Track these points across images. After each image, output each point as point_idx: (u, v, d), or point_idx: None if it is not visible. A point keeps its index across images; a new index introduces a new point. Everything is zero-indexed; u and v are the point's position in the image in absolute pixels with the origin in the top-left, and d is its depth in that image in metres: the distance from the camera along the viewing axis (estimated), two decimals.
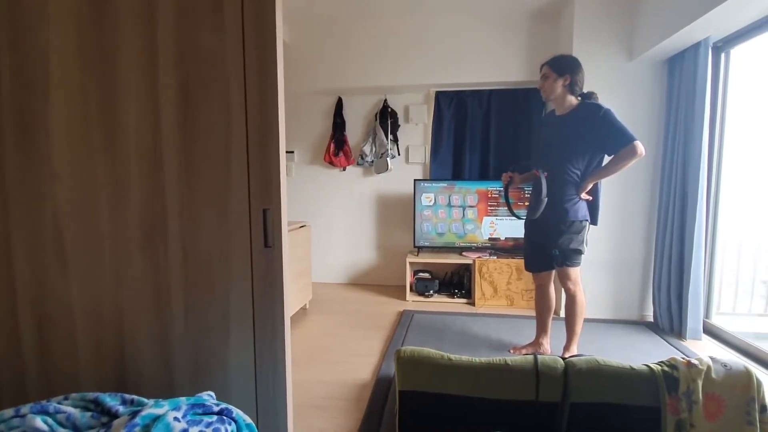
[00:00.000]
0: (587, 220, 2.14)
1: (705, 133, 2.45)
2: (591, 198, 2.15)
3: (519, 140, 3.60)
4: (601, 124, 2.01)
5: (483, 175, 3.67)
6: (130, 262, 1.12)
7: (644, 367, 1.31)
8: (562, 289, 2.23)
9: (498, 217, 3.48)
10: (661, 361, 1.33)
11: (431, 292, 3.48)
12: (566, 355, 1.87)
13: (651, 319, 2.95)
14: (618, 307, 3.03)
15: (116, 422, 0.70)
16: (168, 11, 1.06)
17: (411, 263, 3.51)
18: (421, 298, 3.46)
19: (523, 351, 2.39)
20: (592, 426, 1.30)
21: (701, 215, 2.50)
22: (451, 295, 3.47)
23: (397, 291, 3.68)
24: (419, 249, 3.64)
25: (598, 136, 2.04)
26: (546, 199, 2.09)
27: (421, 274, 3.58)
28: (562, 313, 3.01)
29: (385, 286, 3.89)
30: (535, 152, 2.37)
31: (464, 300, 3.41)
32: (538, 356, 1.36)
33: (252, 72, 1.04)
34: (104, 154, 1.11)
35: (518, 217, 2.38)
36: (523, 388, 1.32)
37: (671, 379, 1.26)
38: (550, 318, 2.38)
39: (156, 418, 0.71)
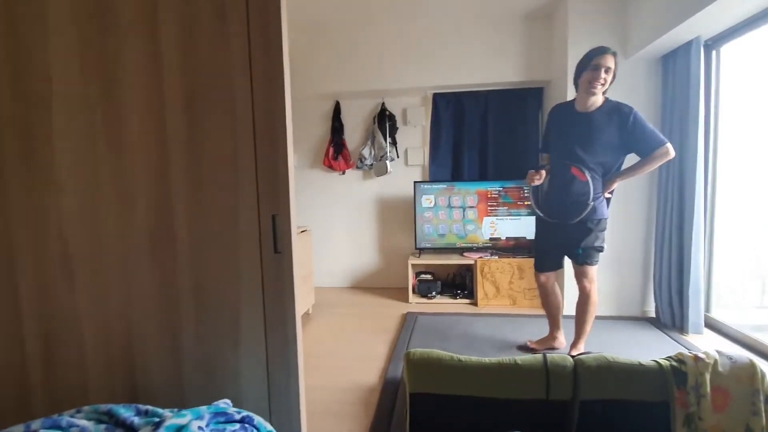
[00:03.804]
0: (608, 218, 2.16)
1: (700, 130, 2.48)
2: (611, 196, 2.18)
3: (516, 140, 3.61)
4: (633, 126, 2.00)
5: (482, 176, 3.68)
6: (138, 271, 1.12)
7: (653, 363, 1.32)
8: (577, 287, 2.23)
9: (498, 217, 3.50)
10: (669, 356, 1.34)
11: (434, 293, 3.48)
12: (574, 353, 1.88)
13: (653, 314, 2.97)
14: (620, 303, 3.05)
15: None
16: (171, 19, 1.06)
17: (413, 265, 3.51)
18: (424, 300, 3.47)
19: (541, 345, 2.41)
20: (603, 423, 1.30)
21: (699, 210, 2.52)
22: (454, 296, 3.48)
23: (399, 293, 3.68)
24: (421, 251, 3.65)
25: (629, 137, 2.02)
26: (594, 201, 2.06)
27: (423, 276, 3.58)
28: (567, 311, 3.04)
29: (387, 288, 3.89)
30: (554, 149, 2.25)
31: (467, 300, 3.42)
32: (547, 354, 1.37)
33: (258, 78, 1.04)
34: (109, 164, 1.11)
35: (549, 219, 2.22)
36: (534, 387, 1.32)
37: (680, 373, 1.27)
38: (561, 313, 2.40)
39: (180, 429, 0.70)
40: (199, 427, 0.71)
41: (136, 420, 0.87)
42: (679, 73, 2.63)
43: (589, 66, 2.01)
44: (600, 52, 1.99)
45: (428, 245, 3.62)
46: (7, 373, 1.18)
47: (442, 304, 3.42)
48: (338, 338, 2.74)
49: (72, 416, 0.90)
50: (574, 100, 2.19)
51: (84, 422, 0.88)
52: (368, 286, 3.98)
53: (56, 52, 1.09)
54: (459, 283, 3.63)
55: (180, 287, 1.11)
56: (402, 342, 2.60)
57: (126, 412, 0.89)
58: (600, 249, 2.13)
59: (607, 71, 1.99)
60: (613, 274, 3.02)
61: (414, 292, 3.51)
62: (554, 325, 2.40)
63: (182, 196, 1.09)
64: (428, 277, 3.58)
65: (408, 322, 2.96)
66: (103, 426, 0.87)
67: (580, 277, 2.17)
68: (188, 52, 1.06)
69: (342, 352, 2.51)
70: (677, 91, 2.65)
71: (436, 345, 2.35)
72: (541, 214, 2.25)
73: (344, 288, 3.99)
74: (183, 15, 1.05)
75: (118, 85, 1.09)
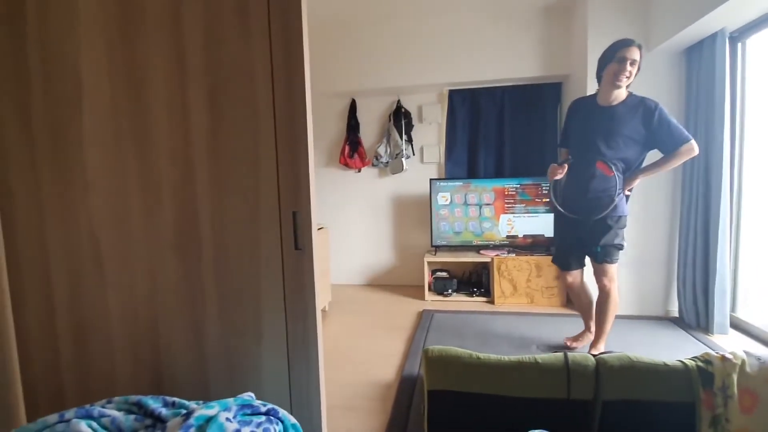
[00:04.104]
0: (627, 215, 2.13)
1: (726, 125, 2.40)
2: (630, 193, 2.15)
3: (534, 136, 3.57)
4: (658, 121, 1.97)
5: (499, 173, 3.65)
6: (164, 266, 1.15)
7: (678, 363, 1.29)
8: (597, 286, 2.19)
9: (515, 215, 3.46)
10: (695, 356, 1.31)
11: (450, 291, 3.47)
12: (594, 352, 1.85)
13: (676, 314, 2.90)
14: (642, 302, 2.99)
15: (170, 424, 0.72)
16: (195, 20, 1.08)
17: (429, 263, 3.51)
18: (440, 298, 3.46)
19: (576, 342, 2.39)
20: (625, 423, 1.28)
21: (725, 208, 2.44)
22: (470, 294, 3.46)
23: (415, 291, 3.68)
24: (437, 248, 3.64)
25: (653, 133, 1.99)
26: (619, 196, 2.03)
27: (439, 274, 3.57)
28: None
29: (403, 286, 3.89)
30: (575, 144, 2.20)
31: (483, 298, 3.40)
32: (569, 354, 1.35)
33: (280, 77, 1.05)
34: (136, 162, 1.14)
35: (571, 215, 2.15)
36: (554, 386, 1.31)
37: (706, 374, 1.24)
38: (593, 309, 2.29)
39: (209, 419, 0.72)
40: (227, 419, 0.73)
41: (164, 411, 0.90)
42: (703, 67, 2.55)
43: (614, 58, 1.97)
44: (626, 44, 1.95)
45: (444, 243, 3.61)
46: (41, 364, 1.23)
47: (459, 301, 3.40)
48: (354, 335, 2.76)
49: (103, 406, 0.93)
50: (596, 94, 2.15)
51: (114, 412, 0.91)
52: (384, 283, 3.99)
53: (86, 55, 1.12)
54: (475, 280, 3.61)
55: (204, 283, 1.14)
56: (418, 339, 2.60)
57: (154, 404, 0.92)
58: (620, 247, 2.09)
59: (632, 64, 1.96)
60: (635, 273, 2.96)
61: (430, 289, 3.51)
62: (590, 319, 2.35)
63: (206, 194, 1.11)
64: (444, 274, 3.57)
65: (424, 319, 2.96)
66: (132, 416, 0.90)
67: (600, 275, 2.13)
68: (211, 52, 1.08)
69: (358, 349, 2.53)
70: (702, 85, 2.57)
71: (452, 343, 2.34)
72: (561, 210, 2.20)
73: (360, 285, 4.01)
74: (205, 16, 1.08)
75: (143, 86, 1.12)
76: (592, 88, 2.59)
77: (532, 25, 3.39)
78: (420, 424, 1.70)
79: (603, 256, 2.09)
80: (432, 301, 3.43)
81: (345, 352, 2.47)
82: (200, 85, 1.09)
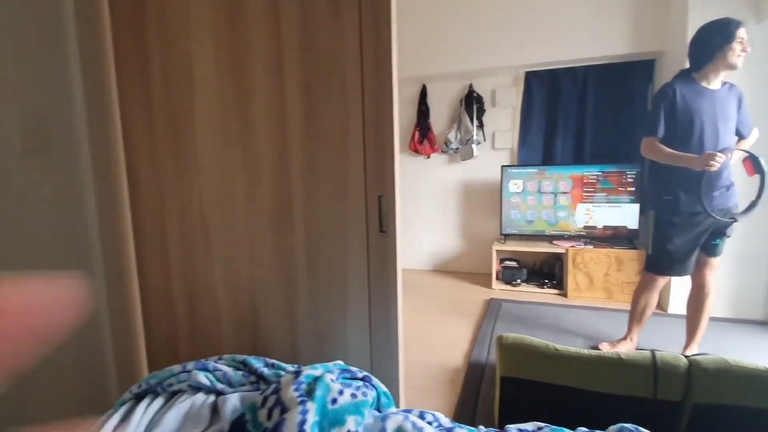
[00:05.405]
0: None
1: None
2: None
3: (619, 120, 3.31)
4: (743, 106, 1.95)
5: (577, 160, 3.45)
6: (262, 243, 1.27)
7: None
8: (695, 284, 2.05)
9: (595, 204, 3.26)
10: None
11: (519, 281, 3.39)
12: (687, 353, 1.73)
13: None
14: (738, 304, 2.69)
15: (284, 379, 0.82)
16: (291, 14, 1.16)
17: (498, 251, 3.44)
18: (508, 287, 3.39)
19: (613, 349, 2.24)
20: (717, 429, 1.20)
21: None
22: (541, 285, 3.35)
23: (482, 279, 3.65)
24: (506, 237, 3.56)
25: (739, 114, 1.94)
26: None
27: (508, 263, 3.50)
28: (671, 309, 2.77)
29: (469, 273, 3.87)
30: (684, 132, 1.95)
31: (555, 290, 3.27)
32: (656, 352, 1.28)
33: (369, 64, 1.10)
34: (239, 147, 1.26)
35: (713, 215, 1.87)
36: (638, 384, 1.26)
37: None
38: (648, 316, 2.19)
39: (316, 379, 0.82)
40: (331, 379, 0.82)
41: (266, 371, 1.01)
42: None
43: (735, 38, 1.81)
44: (739, 23, 1.84)
45: (514, 231, 3.51)
46: (161, 325, 1.43)
47: (528, 292, 3.32)
48: (422, 319, 2.82)
49: (216, 362, 1.07)
50: (690, 76, 1.95)
51: (225, 367, 1.04)
52: (450, 270, 4.00)
53: (197, 51, 1.26)
54: (546, 271, 3.49)
55: (296, 258, 1.24)
56: (486, 327, 2.59)
57: (257, 363, 1.04)
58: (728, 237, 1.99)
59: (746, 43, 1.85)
60: (733, 271, 2.67)
61: (498, 278, 3.45)
62: (638, 326, 2.21)
63: (299, 178, 1.21)
64: (513, 264, 3.49)
65: (492, 307, 2.94)
66: (240, 373, 1.03)
67: (709, 270, 2.00)
68: (306, 44, 1.15)
69: (426, 333, 2.58)
70: None
71: (522, 333, 2.29)
72: (709, 211, 1.89)
73: (426, 271, 4.05)
74: (302, 10, 1.15)
75: (246, 80, 1.22)
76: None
77: None
78: (489, 410, 1.72)
79: (720, 249, 1.98)
80: (500, 290, 3.38)
81: (413, 335, 2.54)
82: (295, 74, 1.17)
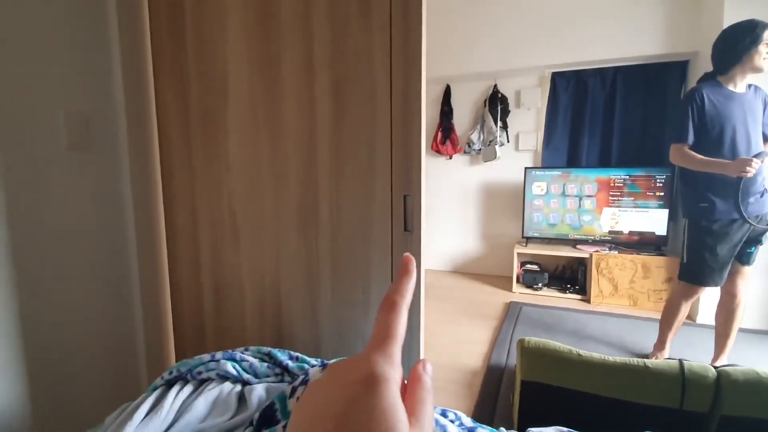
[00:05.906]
0: None
1: None
2: None
3: (649, 123, 3.22)
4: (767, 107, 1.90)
5: (603, 163, 3.37)
6: (288, 241, 1.30)
7: None
8: (728, 294, 1.98)
9: (621, 209, 3.18)
10: None
11: (540, 285, 3.34)
12: (716, 365, 1.68)
13: None
14: None
15: (313, 370, 0.85)
16: (323, 18, 1.18)
17: (519, 254, 3.41)
18: (529, 291, 3.35)
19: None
20: None
21: None
22: (563, 290, 3.29)
23: (502, 282, 3.61)
24: (528, 240, 3.51)
25: (764, 116, 1.90)
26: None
27: (529, 266, 3.46)
28: (699, 319, 2.68)
29: (490, 276, 3.84)
30: (716, 137, 1.89)
31: (577, 296, 3.21)
32: (684, 361, 1.26)
33: (398, 68, 1.12)
34: (268, 148, 1.30)
35: (751, 222, 1.84)
36: (664, 393, 1.23)
37: None
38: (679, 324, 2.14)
39: None
40: None
41: (290, 363, 1.04)
42: None
43: (762, 40, 1.76)
44: (766, 24, 1.78)
45: (536, 234, 3.47)
46: (190, 315, 1.48)
47: (549, 297, 3.27)
48: (440, 320, 2.82)
49: (242, 353, 1.10)
50: (716, 80, 1.89)
51: (251, 358, 1.08)
52: (470, 271, 3.97)
53: (231, 53, 1.30)
54: (569, 276, 3.43)
55: (320, 257, 1.27)
56: (506, 330, 2.57)
57: (282, 356, 1.07)
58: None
59: None
60: (763, 282, 2.56)
61: (518, 281, 3.41)
62: (671, 332, 2.15)
63: (326, 177, 1.23)
64: (535, 267, 3.44)
65: (512, 311, 2.91)
66: (265, 364, 1.06)
67: (742, 279, 1.94)
68: (335, 46, 1.18)
69: (444, 334, 2.58)
70: None
71: (543, 337, 2.27)
72: (747, 219, 1.84)
73: (445, 272, 4.04)
74: (332, 15, 1.17)
75: (277, 80, 1.26)
76: None
77: None
78: (508, 413, 1.71)
79: (754, 258, 1.92)
80: (520, 293, 3.34)
81: (431, 336, 2.54)
82: (325, 77, 1.20)
